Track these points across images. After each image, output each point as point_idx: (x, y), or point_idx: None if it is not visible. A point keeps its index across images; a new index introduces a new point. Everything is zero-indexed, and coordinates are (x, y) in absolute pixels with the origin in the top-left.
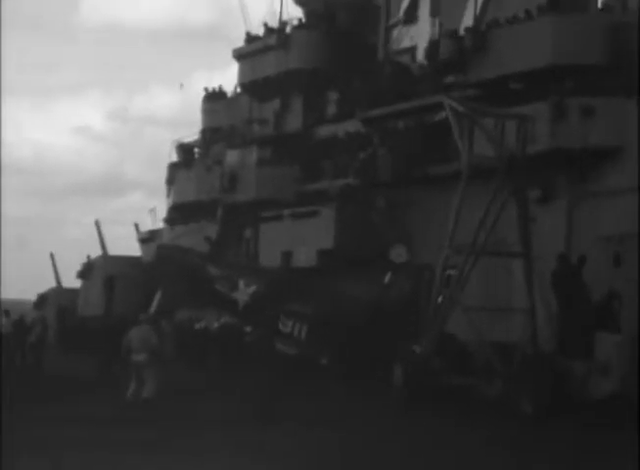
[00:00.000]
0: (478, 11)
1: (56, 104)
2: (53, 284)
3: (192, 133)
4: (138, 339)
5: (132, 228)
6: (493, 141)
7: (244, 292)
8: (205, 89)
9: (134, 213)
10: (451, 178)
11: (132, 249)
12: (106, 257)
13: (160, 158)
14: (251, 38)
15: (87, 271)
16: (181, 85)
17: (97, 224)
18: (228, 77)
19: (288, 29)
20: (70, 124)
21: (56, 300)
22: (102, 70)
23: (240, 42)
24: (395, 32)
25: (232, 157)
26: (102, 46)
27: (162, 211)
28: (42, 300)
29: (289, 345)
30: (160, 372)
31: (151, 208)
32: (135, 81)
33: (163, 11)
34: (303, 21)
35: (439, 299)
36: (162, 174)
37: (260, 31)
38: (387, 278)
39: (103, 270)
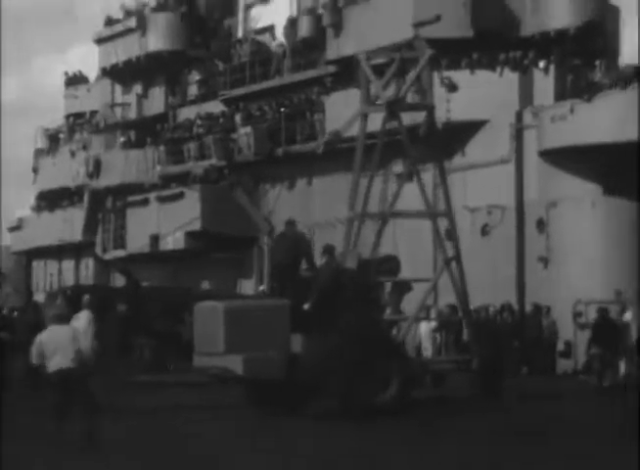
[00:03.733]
0: None
1: None
2: None
3: (56, 119)
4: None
5: None
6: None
7: None
8: (66, 73)
9: None
10: (313, 156)
11: None
12: None
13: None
14: (110, 21)
15: None
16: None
17: None
18: (83, 62)
19: (146, 12)
20: None
21: None
22: None
23: (93, 25)
24: (254, 11)
25: (96, 142)
26: None
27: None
28: None
29: None
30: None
31: None
32: None
33: None
34: (161, 2)
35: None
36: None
37: (119, 15)
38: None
39: None
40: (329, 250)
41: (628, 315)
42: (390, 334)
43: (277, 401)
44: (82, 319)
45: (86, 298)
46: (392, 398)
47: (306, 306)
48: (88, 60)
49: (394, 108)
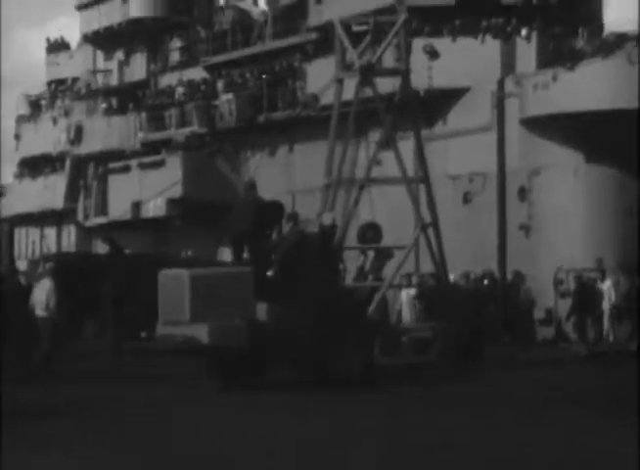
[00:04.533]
0: None
1: None
2: None
3: (37, 85)
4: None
5: None
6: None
7: None
8: (47, 40)
9: None
10: (294, 123)
11: None
12: None
13: None
14: None
15: None
16: None
17: None
18: (64, 31)
19: None
20: None
21: None
22: None
23: None
24: None
25: (77, 108)
26: None
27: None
28: None
29: None
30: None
31: None
32: None
33: None
34: None
35: None
36: None
37: None
38: None
39: None
40: (292, 217)
41: (607, 283)
42: (353, 301)
43: (237, 373)
44: (42, 288)
45: (48, 265)
46: (355, 367)
47: (269, 274)
48: (70, 30)
49: (368, 73)
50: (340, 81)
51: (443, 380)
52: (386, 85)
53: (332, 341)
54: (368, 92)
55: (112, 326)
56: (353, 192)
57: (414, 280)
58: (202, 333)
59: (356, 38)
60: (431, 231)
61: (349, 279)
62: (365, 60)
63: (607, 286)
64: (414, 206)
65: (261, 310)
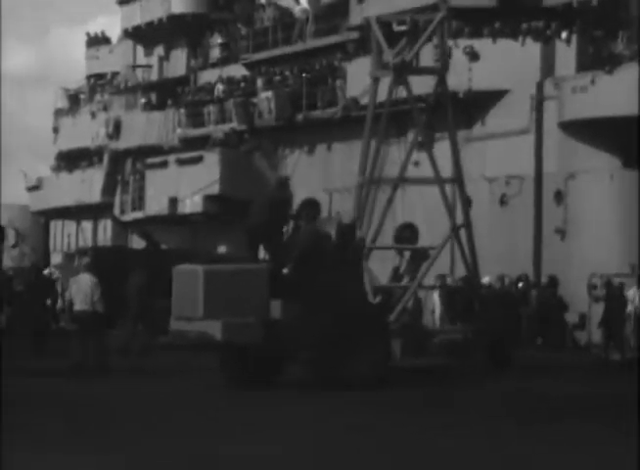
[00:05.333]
0: None
1: None
2: None
3: (77, 79)
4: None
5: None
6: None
7: None
8: (88, 34)
9: None
10: (333, 122)
11: None
12: None
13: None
14: None
15: None
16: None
17: None
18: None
19: None
20: None
21: None
22: None
23: None
24: None
25: (116, 103)
26: None
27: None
28: None
29: None
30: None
31: None
32: None
33: None
34: None
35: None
36: (21, 139)
37: None
38: None
39: None
40: (311, 215)
41: (632, 289)
42: (368, 302)
43: (251, 370)
44: (82, 282)
45: (85, 260)
46: (367, 369)
47: (285, 271)
48: (110, 27)
49: (402, 71)
50: (375, 80)
51: (463, 383)
52: (426, 86)
53: (343, 340)
54: (403, 92)
55: (131, 320)
56: (387, 191)
57: (449, 282)
58: (215, 329)
59: (399, 38)
60: (463, 233)
61: (384, 279)
62: (399, 58)
63: (632, 292)
64: (446, 206)
65: (275, 308)
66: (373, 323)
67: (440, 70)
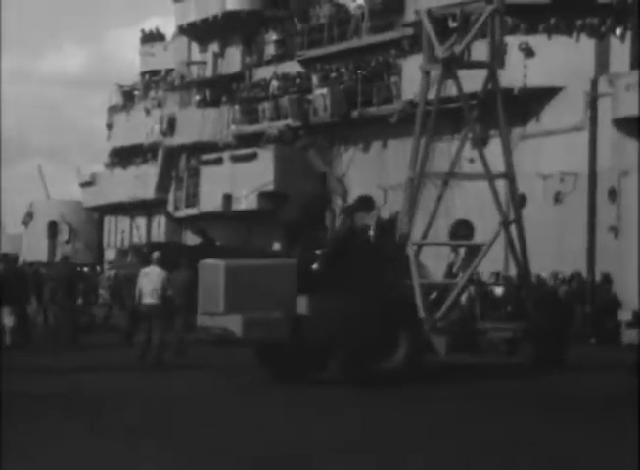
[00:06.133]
0: None
1: None
2: None
3: (132, 76)
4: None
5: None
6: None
7: None
8: (142, 31)
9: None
10: (389, 118)
11: None
12: (47, 201)
13: (69, 120)
14: None
15: (29, 217)
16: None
17: (39, 169)
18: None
19: None
20: None
21: None
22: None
23: None
24: None
25: (171, 99)
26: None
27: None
28: None
29: None
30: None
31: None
32: (43, 40)
33: None
34: None
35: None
36: (73, 138)
37: None
38: None
39: (44, 216)
40: (347, 210)
41: None
42: (404, 298)
43: (286, 364)
44: (152, 275)
45: (156, 254)
46: (400, 365)
47: (315, 267)
48: (165, 25)
49: (451, 65)
50: (426, 73)
51: (503, 380)
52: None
53: (367, 337)
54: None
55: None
56: (437, 187)
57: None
58: (235, 325)
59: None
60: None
61: (439, 276)
62: (449, 51)
63: None
64: (496, 202)
65: (302, 304)
66: (401, 319)
67: (491, 64)
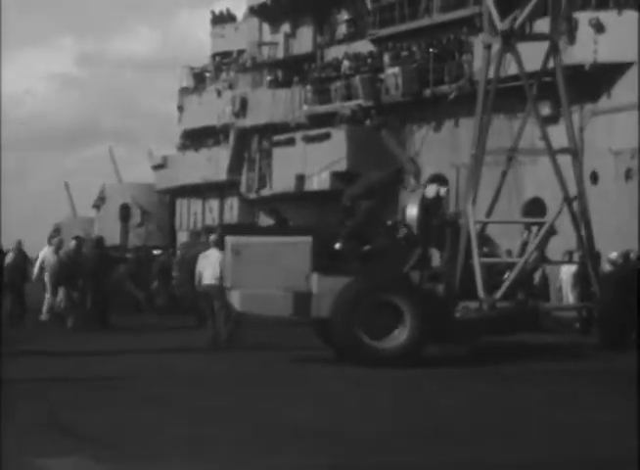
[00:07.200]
0: None
1: (22, 53)
2: None
3: (203, 58)
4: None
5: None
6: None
7: None
8: (213, 12)
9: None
10: (458, 98)
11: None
12: (119, 184)
13: (138, 103)
14: None
15: (101, 200)
16: None
17: (110, 151)
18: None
19: None
20: (41, 73)
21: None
22: (73, 14)
23: None
24: None
25: (242, 81)
26: None
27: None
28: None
29: None
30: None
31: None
32: (112, 21)
33: None
34: None
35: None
36: (141, 121)
37: None
38: None
39: (116, 199)
40: (350, 198)
41: None
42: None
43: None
44: (212, 257)
45: (213, 236)
46: (399, 347)
47: (337, 246)
48: (236, 5)
49: (509, 37)
50: (487, 47)
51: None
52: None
53: (364, 317)
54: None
55: None
56: (502, 164)
57: (575, 258)
58: (235, 300)
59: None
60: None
61: (510, 255)
62: (508, 24)
63: None
64: (558, 179)
65: (314, 281)
66: (407, 298)
67: (552, 36)
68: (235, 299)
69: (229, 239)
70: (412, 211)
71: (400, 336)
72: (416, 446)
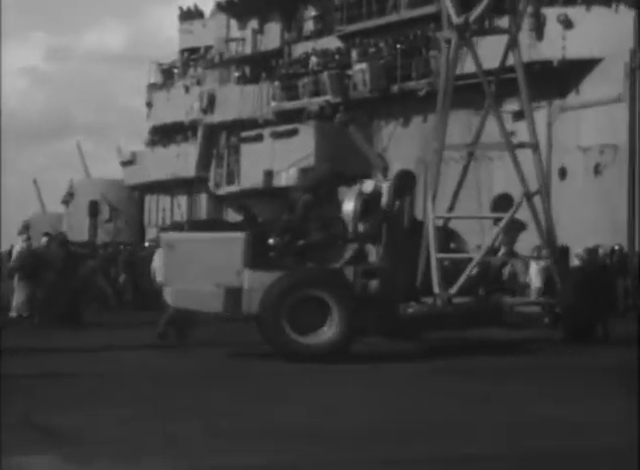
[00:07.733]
0: None
1: None
2: None
3: (170, 53)
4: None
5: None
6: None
7: None
8: (180, 8)
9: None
10: (429, 94)
11: None
12: (88, 180)
13: (107, 99)
14: None
15: (70, 196)
16: None
17: (78, 146)
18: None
19: None
20: (11, 67)
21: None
22: (42, 8)
23: None
24: None
25: (210, 77)
26: None
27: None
28: (26, 227)
29: None
30: None
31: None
32: (83, 16)
33: None
34: None
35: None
36: (111, 116)
37: None
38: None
39: (85, 195)
40: (304, 187)
41: None
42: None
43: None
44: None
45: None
46: (332, 341)
47: (271, 241)
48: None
49: (464, 31)
50: (448, 42)
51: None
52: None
53: (305, 311)
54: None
55: None
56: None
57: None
58: (168, 295)
59: None
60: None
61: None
62: (463, 17)
63: None
64: (518, 174)
65: (246, 277)
66: (334, 293)
67: (510, 30)
68: (168, 294)
69: (163, 235)
70: (348, 207)
71: (328, 332)
72: (359, 443)
